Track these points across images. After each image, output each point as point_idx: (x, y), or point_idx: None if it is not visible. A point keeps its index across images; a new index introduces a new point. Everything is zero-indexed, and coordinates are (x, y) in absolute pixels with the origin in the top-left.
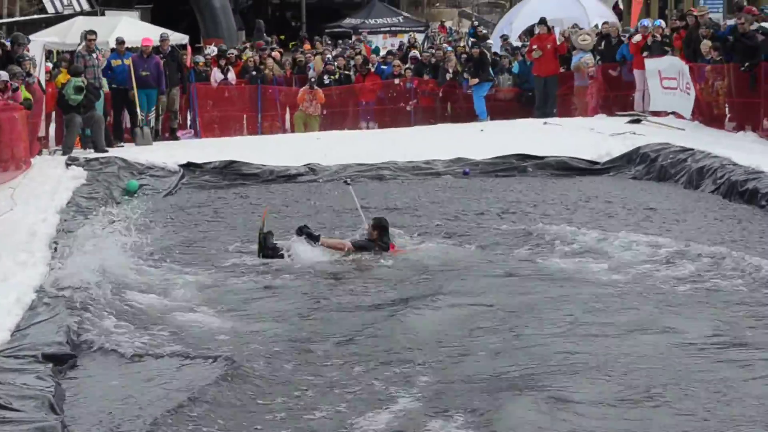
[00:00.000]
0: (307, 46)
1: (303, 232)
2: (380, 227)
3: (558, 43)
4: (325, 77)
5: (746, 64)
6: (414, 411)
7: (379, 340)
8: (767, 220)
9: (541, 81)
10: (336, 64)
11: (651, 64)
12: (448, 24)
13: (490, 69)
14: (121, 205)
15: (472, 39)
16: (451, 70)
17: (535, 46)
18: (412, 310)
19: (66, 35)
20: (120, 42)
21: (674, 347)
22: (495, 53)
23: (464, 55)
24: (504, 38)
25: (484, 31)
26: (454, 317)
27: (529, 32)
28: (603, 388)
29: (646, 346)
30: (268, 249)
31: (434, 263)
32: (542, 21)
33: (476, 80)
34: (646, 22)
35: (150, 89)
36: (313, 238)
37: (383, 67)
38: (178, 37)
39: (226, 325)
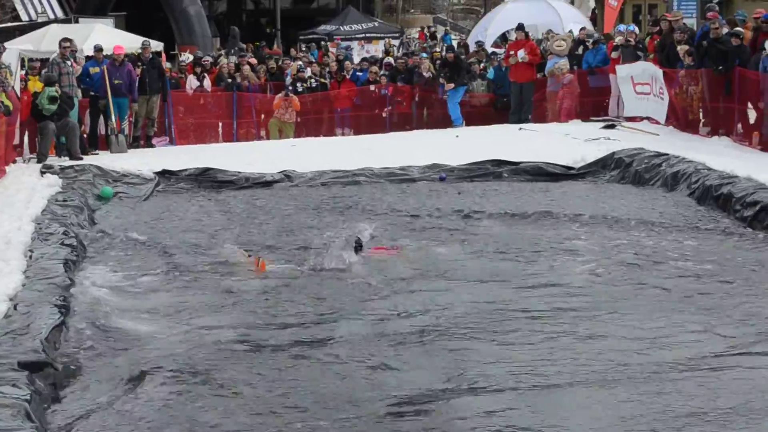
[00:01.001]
0: (277, 51)
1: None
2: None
3: (520, 59)
4: (298, 85)
5: (719, 67)
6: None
7: (344, 342)
8: None
9: (518, 87)
10: (310, 70)
11: (623, 70)
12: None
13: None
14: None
15: (446, 45)
16: (425, 74)
17: (512, 52)
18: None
19: (40, 43)
20: (98, 49)
21: None
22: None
23: (438, 61)
24: (479, 44)
25: (461, 36)
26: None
27: (503, 38)
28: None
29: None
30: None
31: (410, 264)
32: (520, 27)
33: (452, 85)
34: (622, 27)
35: (122, 97)
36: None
37: (359, 73)
38: (152, 45)
39: (184, 334)
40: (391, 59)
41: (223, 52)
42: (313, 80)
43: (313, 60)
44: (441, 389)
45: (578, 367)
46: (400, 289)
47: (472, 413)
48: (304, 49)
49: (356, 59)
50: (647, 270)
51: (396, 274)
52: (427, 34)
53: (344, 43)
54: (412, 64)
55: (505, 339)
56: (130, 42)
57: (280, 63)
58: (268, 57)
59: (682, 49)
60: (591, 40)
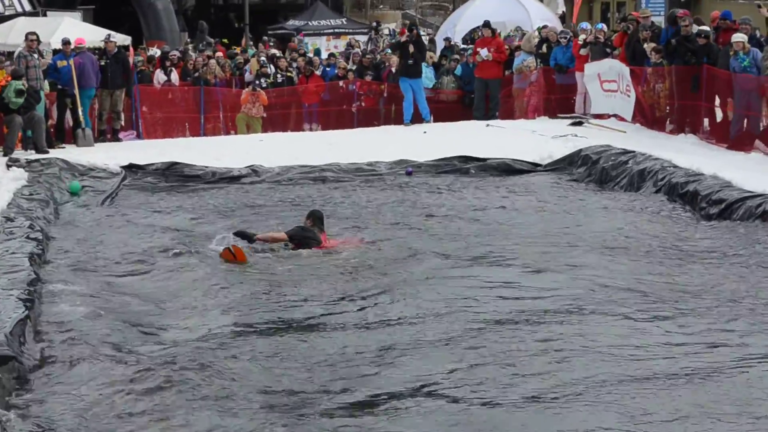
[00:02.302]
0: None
1: (238, 234)
2: (314, 217)
3: (484, 57)
4: (262, 80)
5: (692, 58)
6: None
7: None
8: None
9: (483, 83)
10: (277, 65)
11: (590, 68)
12: (391, 26)
13: (433, 68)
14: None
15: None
16: (394, 69)
17: (479, 49)
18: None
19: (8, 36)
20: (65, 43)
21: None
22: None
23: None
24: (447, 41)
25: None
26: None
27: (471, 38)
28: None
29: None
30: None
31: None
32: (486, 24)
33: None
34: (585, 25)
35: (81, 89)
36: (247, 237)
37: (327, 69)
38: (120, 39)
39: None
40: (358, 50)
41: (190, 46)
42: (279, 75)
43: (278, 54)
44: None
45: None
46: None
47: None
48: (272, 43)
49: (323, 54)
50: None
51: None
52: (393, 29)
53: (307, 39)
54: (379, 60)
55: None
56: (98, 36)
57: (246, 57)
58: (243, 50)
59: (649, 46)
60: (566, 38)
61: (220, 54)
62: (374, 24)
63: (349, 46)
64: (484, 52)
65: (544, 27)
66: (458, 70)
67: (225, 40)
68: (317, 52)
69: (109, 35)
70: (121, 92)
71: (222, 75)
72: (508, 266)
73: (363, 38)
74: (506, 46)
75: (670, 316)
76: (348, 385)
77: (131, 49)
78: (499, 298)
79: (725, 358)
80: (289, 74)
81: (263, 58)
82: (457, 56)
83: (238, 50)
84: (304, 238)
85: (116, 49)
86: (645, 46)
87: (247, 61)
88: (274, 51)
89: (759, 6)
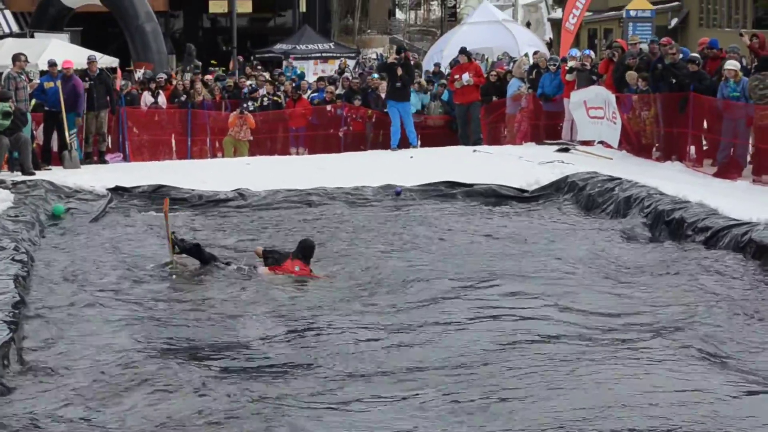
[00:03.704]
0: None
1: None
2: (299, 245)
3: (465, 82)
4: (249, 103)
5: (674, 83)
6: None
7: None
8: None
9: (464, 108)
10: (264, 90)
11: (576, 96)
12: (379, 50)
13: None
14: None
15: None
16: (383, 95)
17: (457, 76)
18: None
19: None
20: (52, 64)
21: None
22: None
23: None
24: (437, 66)
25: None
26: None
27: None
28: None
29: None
30: (180, 243)
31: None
32: (463, 50)
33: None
34: (575, 51)
35: (69, 113)
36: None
37: (314, 94)
38: (108, 60)
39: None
40: (348, 74)
41: (179, 69)
42: (265, 99)
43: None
44: None
45: None
46: None
47: None
48: (259, 67)
49: (311, 78)
50: None
51: None
52: (381, 54)
53: (297, 63)
54: (367, 85)
55: None
56: (85, 57)
57: (236, 81)
58: (231, 73)
59: (631, 75)
60: (556, 64)
61: (209, 76)
62: (357, 49)
63: (340, 72)
64: (466, 77)
65: (536, 53)
66: (445, 96)
67: (214, 62)
68: (301, 76)
69: (93, 56)
70: (105, 113)
71: (209, 97)
72: None
73: (351, 63)
74: (494, 72)
75: None
76: None
77: (119, 71)
78: None
79: None
80: (276, 98)
81: (252, 83)
82: (444, 81)
83: (217, 68)
84: (269, 255)
85: (98, 71)
86: (627, 74)
87: (236, 85)
88: (264, 74)
89: (741, 34)
